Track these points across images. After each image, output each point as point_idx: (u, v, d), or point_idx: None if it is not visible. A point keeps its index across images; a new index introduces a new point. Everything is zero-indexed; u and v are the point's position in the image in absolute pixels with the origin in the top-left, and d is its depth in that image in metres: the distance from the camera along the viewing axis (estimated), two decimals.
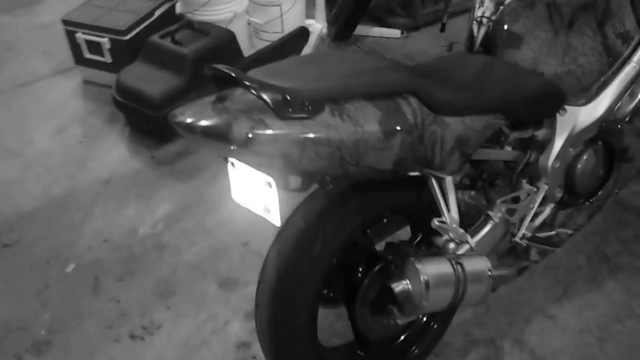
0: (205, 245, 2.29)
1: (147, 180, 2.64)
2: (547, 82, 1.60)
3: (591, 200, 1.85)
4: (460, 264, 1.43)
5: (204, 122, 1.14)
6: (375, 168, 1.26)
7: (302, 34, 3.44)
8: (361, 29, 3.70)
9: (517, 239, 1.70)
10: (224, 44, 2.95)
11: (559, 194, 1.75)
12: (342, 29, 3.60)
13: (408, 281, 1.39)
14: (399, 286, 1.39)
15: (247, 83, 1.18)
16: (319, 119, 1.17)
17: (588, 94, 1.67)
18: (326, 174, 1.26)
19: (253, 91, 1.16)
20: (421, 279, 1.36)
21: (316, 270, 1.41)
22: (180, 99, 2.77)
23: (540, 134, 1.67)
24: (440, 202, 1.46)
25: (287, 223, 1.40)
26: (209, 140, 1.15)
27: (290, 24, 3.42)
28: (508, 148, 1.65)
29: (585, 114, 1.69)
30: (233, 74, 1.18)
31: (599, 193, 1.85)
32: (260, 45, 3.39)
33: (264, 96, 1.15)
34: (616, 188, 1.86)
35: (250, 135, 1.12)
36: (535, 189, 1.69)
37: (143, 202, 2.51)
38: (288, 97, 1.15)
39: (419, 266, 1.37)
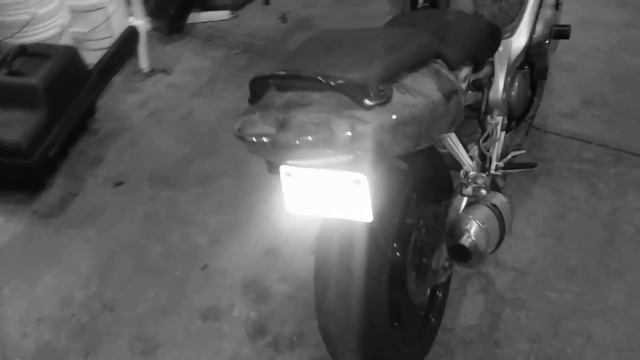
0: (159, 285, 2.04)
1: (44, 240, 2.25)
2: (489, 23, 1.70)
3: (525, 119, 2.04)
4: (494, 205, 1.51)
5: (308, 137, 1.08)
6: (434, 136, 1.26)
7: (133, 34, 3.17)
8: (189, 17, 3.51)
9: (492, 171, 1.82)
10: (69, 62, 2.58)
11: (505, 121, 1.90)
12: (175, 21, 3.38)
13: (470, 234, 1.42)
14: (467, 241, 1.41)
15: (323, 80, 1.10)
16: (395, 100, 1.15)
17: (512, 26, 1.82)
18: (405, 153, 1.22)
19: (332, 86, 1.10)
20: (482, 227, 1.41)
21: (385, 257, 1.36)
22: (47, 137, 2.38)
23: (489, 71, 1.79)
24: (462, 156, 1.50)
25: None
26: (310, 152, 1.09)
27: (118, 27, 3.11)
28: (470, 92, 1.74)
29: (514, 44, 1.84)
30: (304, 74, 1.10)
31: (530, 111, 2.04)
32: (90, 56, 3.02)
33: (346, 89, 1.10)
34: (539, 103, 2.08)
35: (350, 134, 1.08)
36: (496, 122, 1.81)
37: (55, 264, 2.14)
38: (366, 86, 1.11)
39: (474, 218, 1.42)
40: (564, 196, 2.28)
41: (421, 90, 1.20)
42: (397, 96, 1.15)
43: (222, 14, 3.60)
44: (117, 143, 2.69)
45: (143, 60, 3.19)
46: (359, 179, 1.16)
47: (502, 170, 1.83)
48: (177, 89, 3.07)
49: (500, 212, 1.52)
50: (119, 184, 2.48)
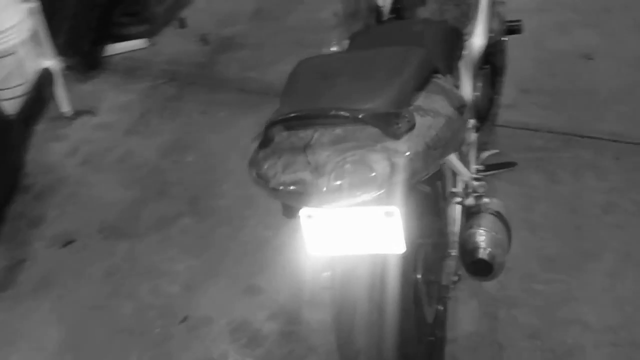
0: (140, 346, 1.89)
1: (0, 317, 2.02)
2: (455, 28, 1.69)
3: (488, 117, 2.06)
4: (497, 211, 1.50)
5: (347, 179, 1.03)
6: (449, 153, 1.23)
7: (47, 76, 2.93)
8: (104, 50, 3.30)
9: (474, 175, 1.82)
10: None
11: (476, 123, 1.91)
12: (90, 57, 3.16)
13: (486, 246, 1.40)
14: (485, 254, 1.39)
15: (349, 115, 1.05)
16: (418, 124, 1.12)
17: (471, 27, 1.83)
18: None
19: (360, 119, 1.05)
20: (496, 237, 1.39)
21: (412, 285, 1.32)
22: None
23: (456, 75, 1.78)
24: (459, 167, 1.48)
25: None
26: (348, 193, 1.04)
27: (31, 71, 2.86)
28: None
29: (475, 45, 1.85)
30: (327, 111, 1.07)
31: (492, 109, 2.06)
32: (6, 106, 2.76)
33: (375, 120, 1.06)
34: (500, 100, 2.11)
35: (389, 169, 1.04)
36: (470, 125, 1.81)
37: (20, 342, 1.93)
38: (397, 114, 1.08)
39: (486, 229, 1.40)
40: (526, 187, 2.33)
41: (437, 109, 1.16)
42: (418, 120, 1.11)
43: (139, 43, 3.42)
44: (55, 198, 2.47)
45: (63, 103, 2.96)
46: (392, 211, 1.11)
47: (484, 174, 1.83)
48: (108, 129, 2.87)
49: (503, 217, 1.51)
50: (69, 242, 2.28)
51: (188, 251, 2.20)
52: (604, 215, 2.18)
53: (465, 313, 1.91)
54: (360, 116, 1.04)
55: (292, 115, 1.09)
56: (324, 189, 1.04)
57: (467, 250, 1.45)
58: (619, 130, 2.54)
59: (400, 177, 1.05)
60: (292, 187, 1.06)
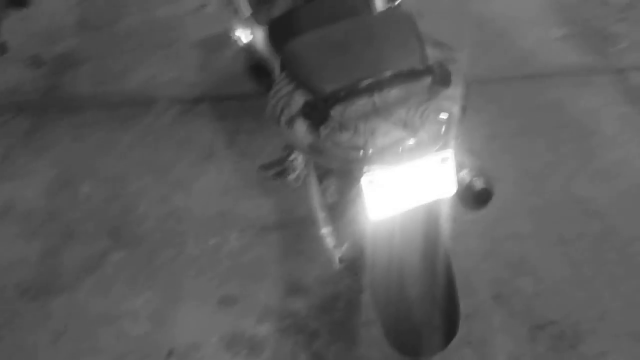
0: None
1: None
2: None
3: None
4: None
5: (442, 128, 1.16)
6: None
7: None
8: None
9: None
10: None
11: None
12: None
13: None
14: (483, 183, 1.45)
15: (424, 70, 1.15)
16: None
17: None
18: None
19: (430, 73, 1.15)
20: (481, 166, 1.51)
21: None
22: None
23: None
24: None
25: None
26: (436, 144, 1.17)
27: None
28: None
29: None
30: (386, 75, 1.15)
31: None
32: None
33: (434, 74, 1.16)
34: None
35: (457, 113, 1.17)
36: None
37: None
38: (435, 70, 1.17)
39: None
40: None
41: (445, 56, 1.26)
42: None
43: None
44: None
45: None
46: (447, 156, 1.19)
47: None
48: None
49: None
50: None
51: (136, 285, 2.01)
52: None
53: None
54: (426, 69, 1.12)
55: (360, 84, 1.11)
56: (424, 141, 1.11)
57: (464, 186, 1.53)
58: None
59: (459, 119, 1.13)
60: (390, 147, 1.11)
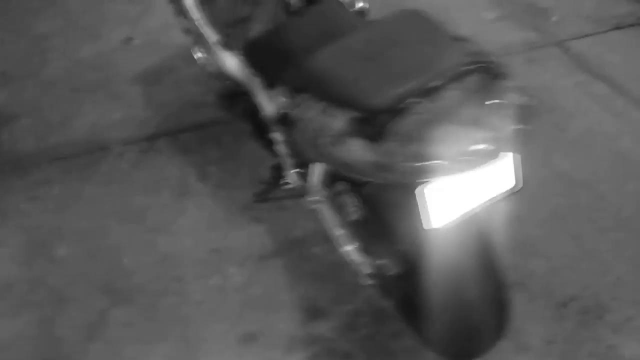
0: None
1: None
2: None
3: None
4: None
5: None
6: None
7: None
8: None
9: None
10: None
11: None
12: None
13: None
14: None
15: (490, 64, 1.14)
16: None
17: None
18: None
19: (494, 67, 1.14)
20: None
21: None
22: None
23: None
24: None
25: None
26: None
27: None
28: None
29: None
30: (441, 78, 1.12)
31: None
32: None
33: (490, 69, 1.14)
34: None
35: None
36: None
37: None
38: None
39: None
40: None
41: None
42: None
43: None
44: None
45: None
46: (507, 155, 1.16)
47: None
48: None
49: None
50: None
51: (146, 342, 1.88)
52: None
53: None
54: (487, 62, 1.11)
55: (416, 89, 1.08)
56: (507, 138, 1.07)
57: None
58: None
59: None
60: (469, 150, 1.04)
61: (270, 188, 2.02)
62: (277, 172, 2.04)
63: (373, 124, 1.09)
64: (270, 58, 1.64)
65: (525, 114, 1.08)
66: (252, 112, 1.95)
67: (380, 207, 1.38)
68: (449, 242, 1.26)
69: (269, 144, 2.02)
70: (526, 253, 1.95)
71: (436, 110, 1.07)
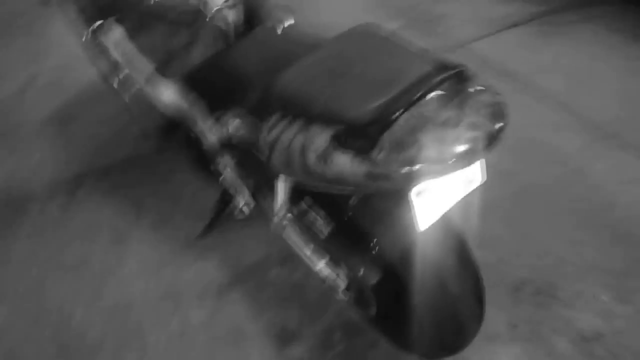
0: None
1: None
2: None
3: None
4: None
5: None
6: None
7: None
8: None
9: None
10: None
11: None
12: None
13: None
14: None
15: (461, 70, 1.19)
16: None
17: None
18: None
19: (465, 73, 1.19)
20: None
21: None
22: None
23: None
24: None
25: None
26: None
27: None
28: None
29: None
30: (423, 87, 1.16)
31: None
32: None
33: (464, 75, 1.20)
34: None
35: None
36: None
37: None
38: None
39: None
40: None
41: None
42: None
43: None
44: None
45: None
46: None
47: None
48: None
49: None
50: None
51: None
52: None
53: None
54: (459, 65, 1.17)
55: (402, 98, 1.12)
56: (496, 136, 1.12)
57: None
58: None
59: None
60: (466, 148, 1.09)
61: (215, 221, 1.98)
62: (224, 203, 2.00)
63: (361, 136, 1.11)
64: (214, 85, 1.63)
65: (501, 110, 1.14)
66: (193, 142, 1.92)
67: (367, 216, 1.39)
68: (433, 242, 1.32)
69: (212, 174, 1.99)
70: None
71: (420, 117, 1.10)
